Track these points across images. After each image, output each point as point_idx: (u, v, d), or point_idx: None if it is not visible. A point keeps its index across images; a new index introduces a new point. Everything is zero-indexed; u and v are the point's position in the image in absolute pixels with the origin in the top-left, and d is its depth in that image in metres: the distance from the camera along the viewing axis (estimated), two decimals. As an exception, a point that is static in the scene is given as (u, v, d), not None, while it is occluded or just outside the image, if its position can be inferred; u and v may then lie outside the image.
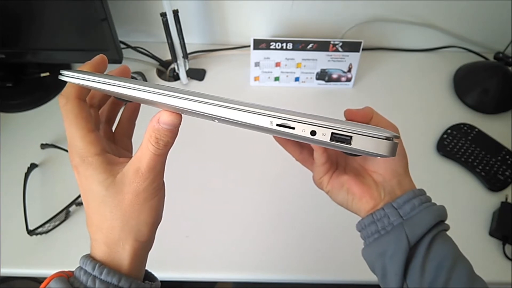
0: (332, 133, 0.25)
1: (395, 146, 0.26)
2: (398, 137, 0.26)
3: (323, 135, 0.26)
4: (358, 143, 0.26)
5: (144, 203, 0.29)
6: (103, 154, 0.29)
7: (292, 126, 0.26)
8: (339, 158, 0.42)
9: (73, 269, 0.30)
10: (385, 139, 0.25)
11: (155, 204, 0.30)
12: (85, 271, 0.28)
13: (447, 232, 0.37)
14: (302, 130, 0.26)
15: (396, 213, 0.35)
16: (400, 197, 0.36)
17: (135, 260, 0.30)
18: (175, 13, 0.75)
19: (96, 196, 0.29)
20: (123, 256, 0.29)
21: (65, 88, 0.30)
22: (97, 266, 0.28)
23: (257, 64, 0.83)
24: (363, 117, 0.36)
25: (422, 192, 0.37)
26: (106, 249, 0.29)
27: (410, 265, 0.35)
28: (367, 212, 0.38)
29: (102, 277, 0.28)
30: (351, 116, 0.36)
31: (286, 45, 0.81)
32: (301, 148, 0.41)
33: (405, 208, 0.35)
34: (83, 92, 0.30)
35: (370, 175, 0.38)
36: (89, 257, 0.30)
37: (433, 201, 0.38)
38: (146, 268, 0.33)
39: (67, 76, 0.29)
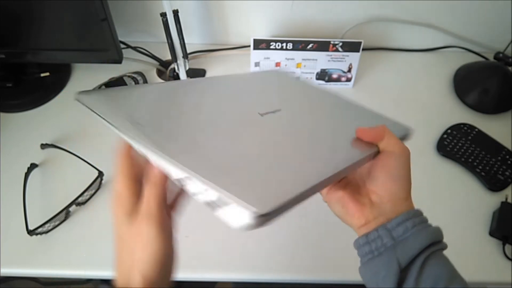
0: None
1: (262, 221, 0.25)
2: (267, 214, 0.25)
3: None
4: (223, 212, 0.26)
5: (146, 243, 0.31)
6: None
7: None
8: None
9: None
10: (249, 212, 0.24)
11: (157, 244, 0.31)
12: None
13: (450, 249, 0.37)
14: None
15: (389, 235, 0.35)
16: (394, 219, 0.36)
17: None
18: (175, 13, 0.75)
19: (116, 232, 0.33)
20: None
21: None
22: None
23: (257, 64, 0.83)
24: (373, 138, 0.37)
25: (417, 214, 0.37)
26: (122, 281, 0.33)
27: (403, 286, 0.34)
28: (358, 227, 0.38)
29: None
30: (362, 135, 0.37)
31: (286, 45, 0.81)
32: None
33: (398, 230, 0.35)
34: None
35: (368, 194, 0.38)
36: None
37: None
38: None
39: None
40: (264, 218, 0.25)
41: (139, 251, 0.31)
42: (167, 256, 0.32)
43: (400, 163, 0.36)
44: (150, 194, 0.32)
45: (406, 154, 0.37)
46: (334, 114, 0.47)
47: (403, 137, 0.42)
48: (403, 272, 0.34)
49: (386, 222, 0.36)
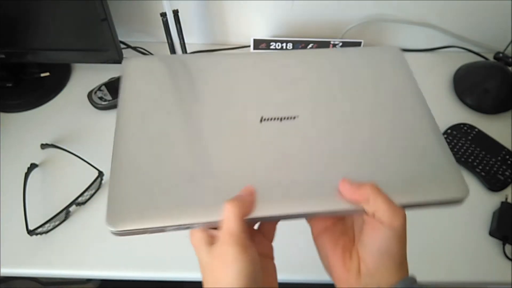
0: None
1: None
2: None
3: None
4: None
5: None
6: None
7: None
8: (347, 218, 0.36)
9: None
10: None
11: None
12: None
13: None
14: None
15: None
16: None
17: None
18: (175, 13, 0.75)
19: (200, 264, 0.32)
20: None
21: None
22: None
23: (257, 64, 0.83)
24: (354, 198, 0.31)
25: (408, 284, 0.31)
26: None
27: None
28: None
29: None
30: (344, 190, 0.31)
31: (286, 45, 0.81)
32: None
33: None
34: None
35: (358, 259, 0.32)
36: None
37: None
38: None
39: None
40: (119, 233, 0.27)
41: (221, 273, 0.29)
42: (252, 275, 0.28)
43: (387, 237, 0.30)
44: (230, 213, 0.29)
45: (396, 227, 0.29)
46: (372, 135, 0.35)
47: (447, 201, 0.32)
48: None
49: None
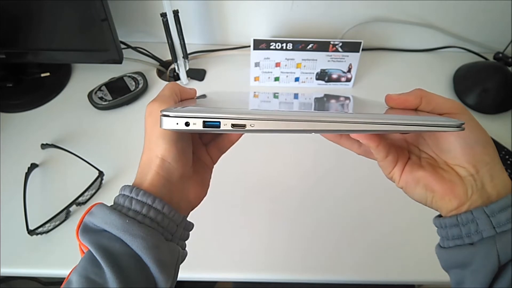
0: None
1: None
2: None
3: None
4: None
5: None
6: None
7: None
8: (411, 147, 0.36)
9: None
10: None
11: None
12: (123, 195, 0.31)
13: None
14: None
15: (487, 222, 0.29)
16: (496, 203, 0.29)
17: (155, 179, 0.32)
18: (175, 13, 0.75)
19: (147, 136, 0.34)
20: (148, 176, 0.32)
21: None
22: (134, 189, 0.31)
23: (257, 64, 0.83)
24: (411, 101, 0.32)
25: None
26: (138, 175, 0.33)
27: (494, 286, 0.29)
28: (449, 212, 0.31)
29: (139, 197, 0.31)
30: (394, 100, 0.33)
31: (286, 45, 0.81)
32: (359, 141, 0.36)
33: (500, 217, 0.28)
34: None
35: (452, 168, 0.31)
36: (126, 185, 0.32)
37: None
38: None
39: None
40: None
41: (149, 128, 0.32)
42: (175, 135, 0.32)
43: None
44: (167, 86, 0.34)
45: (462, 109, 0.30)
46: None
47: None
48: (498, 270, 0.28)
49: (483, 204, 0.30)
